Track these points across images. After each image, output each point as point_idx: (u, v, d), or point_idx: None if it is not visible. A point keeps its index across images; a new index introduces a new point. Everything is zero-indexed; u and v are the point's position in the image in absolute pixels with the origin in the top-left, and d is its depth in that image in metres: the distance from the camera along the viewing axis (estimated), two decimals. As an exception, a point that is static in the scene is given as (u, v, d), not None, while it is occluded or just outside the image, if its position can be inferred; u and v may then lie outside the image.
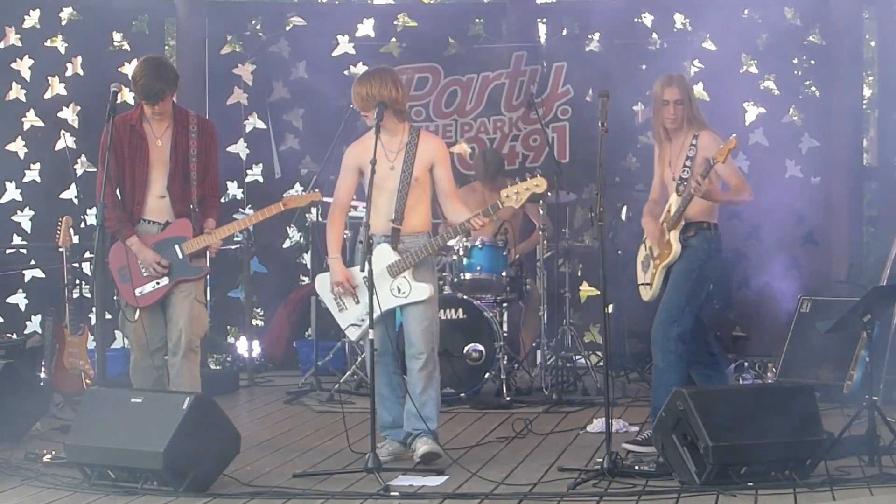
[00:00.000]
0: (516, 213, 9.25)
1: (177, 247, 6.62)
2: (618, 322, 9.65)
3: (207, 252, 6.80)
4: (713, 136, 6.59)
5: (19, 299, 10.27)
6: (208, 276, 7.27)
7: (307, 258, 10.60)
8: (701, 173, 6.42)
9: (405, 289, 6.42)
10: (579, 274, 10.11)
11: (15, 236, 10.31)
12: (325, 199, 8.14)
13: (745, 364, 8.92)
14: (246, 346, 9.97)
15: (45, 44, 10.45)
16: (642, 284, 6.77)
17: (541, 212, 8.79)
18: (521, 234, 9.41)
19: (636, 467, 5.95)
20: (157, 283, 6.62)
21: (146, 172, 6.62)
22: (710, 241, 6.63)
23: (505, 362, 8.42)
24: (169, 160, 6.63)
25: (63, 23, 10.59)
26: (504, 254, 8.56)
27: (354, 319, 6.47)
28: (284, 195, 7.05)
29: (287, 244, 10.81)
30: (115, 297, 6.71)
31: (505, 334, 8.74)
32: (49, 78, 10.40)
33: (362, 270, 6.26)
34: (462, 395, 8.26)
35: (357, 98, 6.53)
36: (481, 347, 8.34)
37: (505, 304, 8.83)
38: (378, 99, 6.44)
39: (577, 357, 9.08)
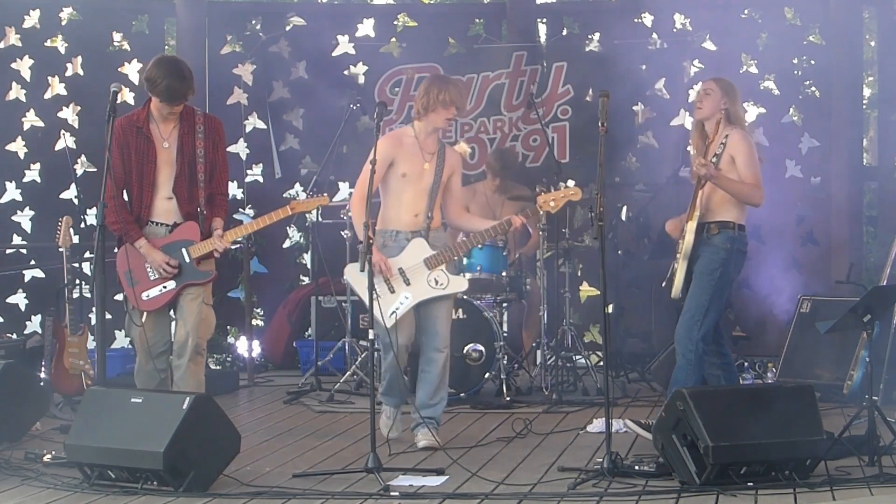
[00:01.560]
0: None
1: (184, 250, 6.60)
2: (618, 322, 9.68)
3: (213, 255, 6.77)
4: (743, 133, 6.66)
5: (19, 299, 10.27)
6: (210, 278, 7.26)
7: (307, 258, 10.61)
8: (708, 155, 6.52)
9: (443, 280, 6.78)
10: (579, 274, 10.11)
11: (15, 236, 10.31)
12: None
13: (745, 364, 8.91)
14: (246, 346, 9.97)
15: (45, 44, 10.45)
16: (668, 279, 6.78)
17: (540, 212, 8.78)
18: (518, 241, 9.40)
19: (636, 467, 5.95)
20: (164, 287, 6.60)
21: (153, 174, 6.59)
22: (732, 241, 6.66)
23: (505, 362, 8.42)
24: (175, 161, 6.61)
25: (63, 23, 10.59)
26: (504, 254, 8.57)
27: (392, 307, 6.70)
28: (292, 200, 7.00)
29: (287, 244, 10.82)
30: (115, 299, 6.69)
31: (505, 334, 8.74)
32: (49, 78, 10.40)
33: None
34: (462, 395, 8.26)
35: (463, 99, 6.99)
36: (481, 347, 8.34)
37: (505, 304, 8.83)
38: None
39: (577, 357, 9.08)
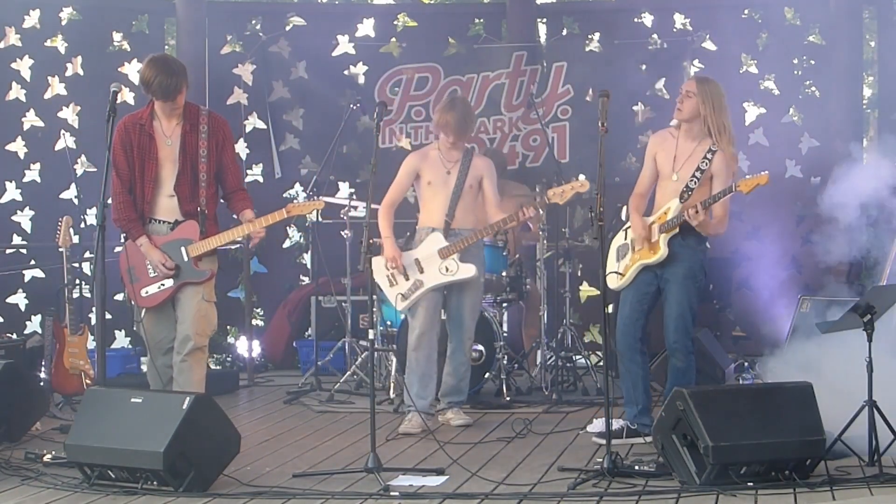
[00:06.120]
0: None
1: (183, 249, 6.62)
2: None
3: (216, 252, 6.76)
4: (727, 160, 6.66)
5: (19, 299, 10.27)
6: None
7: (307, 258, 10.61)
8: (706, 201, 6.55)
9: (453, 268, 7.39)
10: (579, 274, 10.08)
11: (15, 236, 10.31)
12: (327, 199, 8.20)
13: (745, 364, 8.91)
14: (246, 346, 9.97)
15: (45, 44, 10.45)
16: (614, 272, 6.84)
17: (541, 212, 8.78)
18: (518, 235, 9.39)
19: (636, 467, 5.95)
20: (163, 285, 6.63)
21: (155, 171, 6.60)
22: (703, 241, 6.76)
23: (505, 362, 8.42)
24: (178, 159, 6.62)
25: (63, 23, 10.59)
26: (504, 254, 8.57)
27: (403, 291, 7.40)
28: (289, 203, 7.01)
29: (287, 244, 10.83)
30: (115, 298, 6.70)
31: (505, 334, 8.74)
32: (49, 78, 10.40)
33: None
34: (462, 395, 8.26)
35: (454, 125, 7.42)
36: (481, 347, 8.34)
37: (505, 305, 8.83)
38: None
39: (577, 357, 9.07)
